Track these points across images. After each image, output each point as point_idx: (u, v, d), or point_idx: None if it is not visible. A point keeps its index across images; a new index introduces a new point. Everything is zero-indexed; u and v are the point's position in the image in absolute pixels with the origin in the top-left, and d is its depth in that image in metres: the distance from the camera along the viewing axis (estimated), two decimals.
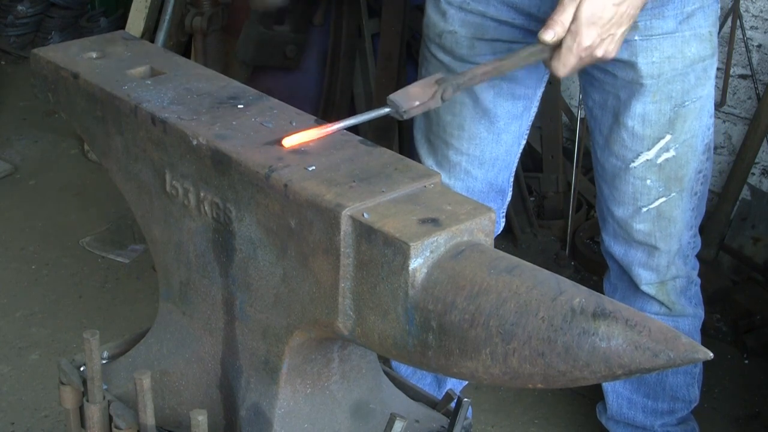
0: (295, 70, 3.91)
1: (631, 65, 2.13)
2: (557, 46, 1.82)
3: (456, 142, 2.31)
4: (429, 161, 2.38)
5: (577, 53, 1.81)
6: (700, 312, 2.55)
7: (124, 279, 3.55)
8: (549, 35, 1.80)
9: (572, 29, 1.80)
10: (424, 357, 1.33)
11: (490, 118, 2.28)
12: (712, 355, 1.19)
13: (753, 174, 3.56)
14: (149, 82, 1.69)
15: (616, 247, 2.41)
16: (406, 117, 1.61)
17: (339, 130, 1.55)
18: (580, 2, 1.79)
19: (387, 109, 1.61)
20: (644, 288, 2.42)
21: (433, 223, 1.34)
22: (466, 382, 2.61)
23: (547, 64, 1.85)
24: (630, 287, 2.46)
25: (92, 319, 3.30)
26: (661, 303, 2.44)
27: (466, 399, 1.63)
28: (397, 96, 1.61)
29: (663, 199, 2.28)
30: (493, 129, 2.29)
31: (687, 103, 2.18)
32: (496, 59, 1.78)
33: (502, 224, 2.52)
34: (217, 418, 1.65)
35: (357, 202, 1.37)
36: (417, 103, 1.61)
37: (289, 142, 1.50)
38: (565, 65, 1.83)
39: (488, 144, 2.31)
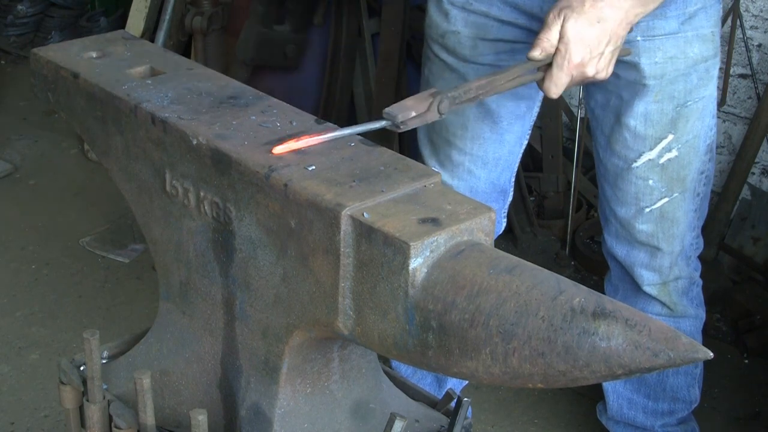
0: (295, 70, 3.92)
1: (633, 66, 2.13)
2: (548, 65, 1.82)
3: (459, 141, 2.31)
4: (432, 161, 2.38)
5: (568, 71, 1.81)
6: (702, 313, 2.54)
7: (124, 279, 3.55)
8: (537, 52, 1.81)
9: (560, 48, 1.80)
10: (424, 357, 1.33)
11: (493, 118, 2.28)
12: (712, 354, 1.19)
13: (753, 174, 3.56)
14: (149, 82, 1.69)
15: (618, 248, 2.40)
16: (403, 129, 1.59)
17: (331, 139, 1.54)
18: (563, 21, 1.80)
19: (383, 122, 1.59)
20: (646, 289, 2.42)
21: (433, 222, 1.34)
22: (466, 382, 2.61)
23: (540, 85, 1.85)
24: (632, 288, 2.45)
25: (92, 319, 3.30)
26: (663, 304, 2.44)
27: (466, 399, 1.63)
28: (393, 109, 1.59)
29: (665, 200, 2.28)
30: (496, 129, 2.30)
31: (689, 103, 2.18)
32: (490, 73, 1.77)
33: (504, 224, 2.52)
34: (217, 418, 1.65)
35: (357, 201, 1.37)
36: (413, 114, 1.60)
37: (280, 149, 1.49)
38: (557, 84, 1.82)
39: (491, 144, 2.31)
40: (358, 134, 1.56)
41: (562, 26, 1.80)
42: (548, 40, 1.81)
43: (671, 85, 2.16)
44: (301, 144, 1.50)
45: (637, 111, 2.18)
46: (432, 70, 2.30)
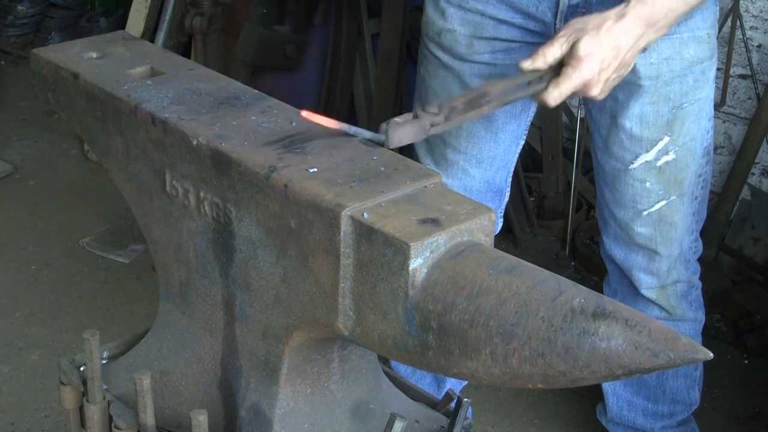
0: (295, 70, 3.92)
1: None
2: (555, 75, 1.82)
3: (454, 140, 2.31)
4: (426, 160, 2.38)
5: (574, 83, 1.81)
6: (701, 316, 2.54)
7: (124, 279, 3.55)
8: (527, 64, 1.80)
9: (572, 63, 1.80)
10: (424, 357, 1.34)
11: (488, 117, 2.27)
12: (711, 355, 1.19)
13: (753, 174, 3.56)
14: (149, 82, 1.69)
15: (616, 251, 2.40)
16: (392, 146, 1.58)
17: (348, 131, 1.54)
18: (576, 41, 1.79)
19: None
20: (644, 292, 2.41)
21: (433, 223, 1.34)
22: (466, 382, 2.61)
23: (536, 97, 1.84)
24: (630, 291, 2.45)
25: (92, 319, 3.30)
26: (661, 307, 2.44)
27: (466, 399, 1.63)
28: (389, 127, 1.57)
29: (663, 203, 2.27)
30: (491, 128, 2.30)
31: (685, 105, 2.18)
32: (485, 84, 1.76)
33: (500, 224, 2.52)
34: (217, 419, 1.65)
35: (357, 202, 1.37)
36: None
37: (308, 115, 1.51)
38: (561, 93, 1.81)
39: (486, 143, 2.31)
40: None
41: (575, 45, 1.79)
42: (544, 55, 1.80)
43: (667, 87, 2.16)
44: (327, 122, 1.52)
45: (633, 112, 2.18)
46: (428, 68, 2.30)
